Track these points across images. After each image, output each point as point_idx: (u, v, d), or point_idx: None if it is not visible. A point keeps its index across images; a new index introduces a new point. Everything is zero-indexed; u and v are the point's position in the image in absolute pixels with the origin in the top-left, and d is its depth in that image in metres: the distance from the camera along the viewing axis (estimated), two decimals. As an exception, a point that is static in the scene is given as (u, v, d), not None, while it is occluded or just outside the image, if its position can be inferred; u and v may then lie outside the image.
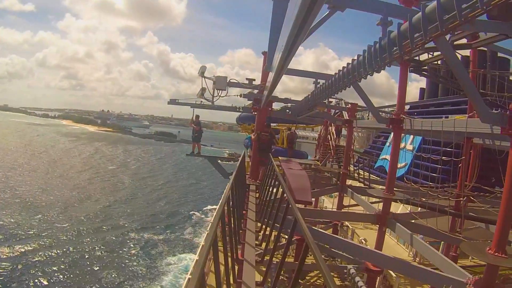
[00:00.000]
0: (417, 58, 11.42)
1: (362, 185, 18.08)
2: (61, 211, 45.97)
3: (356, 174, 18.45)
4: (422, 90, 30.64)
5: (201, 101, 16.14)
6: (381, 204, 17.39)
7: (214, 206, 53.23)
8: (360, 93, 11.59)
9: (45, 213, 44.29)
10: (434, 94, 28.42)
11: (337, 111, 22.53)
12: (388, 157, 27.67)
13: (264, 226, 9.46)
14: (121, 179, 72.05)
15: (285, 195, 7.48)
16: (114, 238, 39.13)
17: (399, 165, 24.76)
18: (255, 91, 14.28)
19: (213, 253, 4.17)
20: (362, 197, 16.11)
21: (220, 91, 14.89)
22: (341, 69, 10.75)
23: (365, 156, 22.93)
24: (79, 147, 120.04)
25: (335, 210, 18.14)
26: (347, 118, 19.16)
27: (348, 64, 10.21)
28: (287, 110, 18.91)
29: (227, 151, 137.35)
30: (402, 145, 26.11)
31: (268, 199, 10.29)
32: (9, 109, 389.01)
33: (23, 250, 33.20)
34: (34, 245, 34.49)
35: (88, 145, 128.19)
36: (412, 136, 25.02)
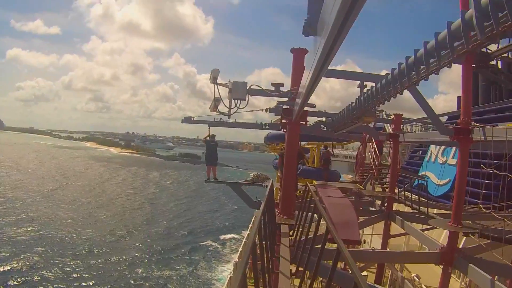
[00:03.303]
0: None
1: (411, 209, 15.46)
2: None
3: (402, 197, 15.91)
4: (459, 98, 28.18)
5: (220, 118, 13.74)
6: (435, 232, 15.06)
7: (232, 235, 51.12)
8: (418, 99, 9.36)
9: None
10: (474, 103, 26.06)
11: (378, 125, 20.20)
12: (428, 173, 25.46)
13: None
14: (140, 205, 71.40)
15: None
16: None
17: (440, 182, 22.60)
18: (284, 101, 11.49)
19: None
20: (410, 223, 13.89)
21: (239, 101, 11.54)
22: (395, 68, 8.50)
23: (408, 173, 20.51)
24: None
25: (388, 250, 15.44)
26: (391, 131, 17.05)
27: (405, 60, 7.99)
28: (322, 126, 16.20)
29: (253, 173, 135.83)
30: (443, 159, 24.11)
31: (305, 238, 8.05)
32: (34, 131, 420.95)
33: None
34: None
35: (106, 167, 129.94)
36: (454, 149, 22.41)
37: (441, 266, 10.18)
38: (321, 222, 7.46)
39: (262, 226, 6.09)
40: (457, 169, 10.39)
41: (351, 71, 10.54)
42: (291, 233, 10.15)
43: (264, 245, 6.04)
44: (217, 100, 11.53)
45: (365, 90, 9.67)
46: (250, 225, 27.77)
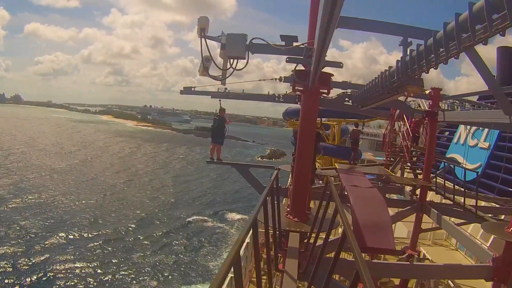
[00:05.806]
0: None
1: (443, 199, 14.02)
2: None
3: (439, 187, 13.72)
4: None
5: (225, 88, 11.80)
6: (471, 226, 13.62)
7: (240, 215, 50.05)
8: (478, 65, 6.62)
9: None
10: (508, 82, 22.90)
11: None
12: (456, 156, 23.55)
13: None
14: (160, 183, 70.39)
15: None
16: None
17: (470, 166, 20.65)
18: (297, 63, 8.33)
19: None
20: (449, 219, 11.91)
21: (236, 60, 8.47)
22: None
23: (444, 158, 18.50)
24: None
25: (429, 263, 13.12)
26: (428, 109, 14.75)
27: (468, 8, 5.36)
28: (346, 99, 13.49)
29: (269, 149, 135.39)
30: (473, 142, 22.05)
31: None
32: (52, 105, 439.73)
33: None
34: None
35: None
36: (486, 131, 21.56)
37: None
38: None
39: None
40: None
41: (390, 22, 7.51)
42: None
43: None
44: (206, 60, 8.51)
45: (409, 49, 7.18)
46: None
